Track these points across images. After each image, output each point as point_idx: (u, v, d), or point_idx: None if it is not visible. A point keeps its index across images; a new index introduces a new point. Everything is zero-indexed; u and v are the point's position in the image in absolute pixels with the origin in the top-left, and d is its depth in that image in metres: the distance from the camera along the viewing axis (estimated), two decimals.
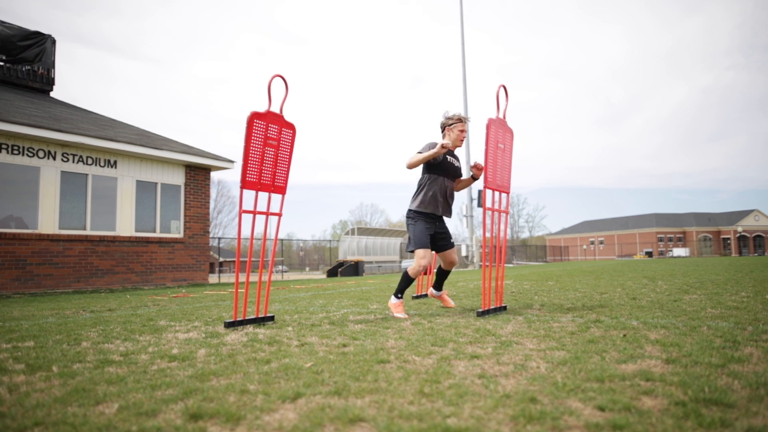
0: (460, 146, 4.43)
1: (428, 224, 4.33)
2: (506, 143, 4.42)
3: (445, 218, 4.55)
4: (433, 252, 4.49)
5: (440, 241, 4.47)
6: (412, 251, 4.29)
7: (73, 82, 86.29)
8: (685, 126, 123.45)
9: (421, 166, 4.37)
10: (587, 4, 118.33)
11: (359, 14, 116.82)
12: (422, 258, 4.23)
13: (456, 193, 4.58)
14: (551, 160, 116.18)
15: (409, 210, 4.43)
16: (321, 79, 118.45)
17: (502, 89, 4.31)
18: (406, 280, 4.33)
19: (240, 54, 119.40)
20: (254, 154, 3.80)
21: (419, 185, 4.42)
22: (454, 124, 4.37)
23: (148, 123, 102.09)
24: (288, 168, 4.13)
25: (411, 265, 4.37)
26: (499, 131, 4.30)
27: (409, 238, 4.35)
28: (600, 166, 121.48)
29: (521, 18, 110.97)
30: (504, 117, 4.40)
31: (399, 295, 4.33)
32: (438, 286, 4.91)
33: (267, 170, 3.94)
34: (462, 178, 4.59)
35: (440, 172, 4.34)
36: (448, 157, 4.38)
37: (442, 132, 4.47)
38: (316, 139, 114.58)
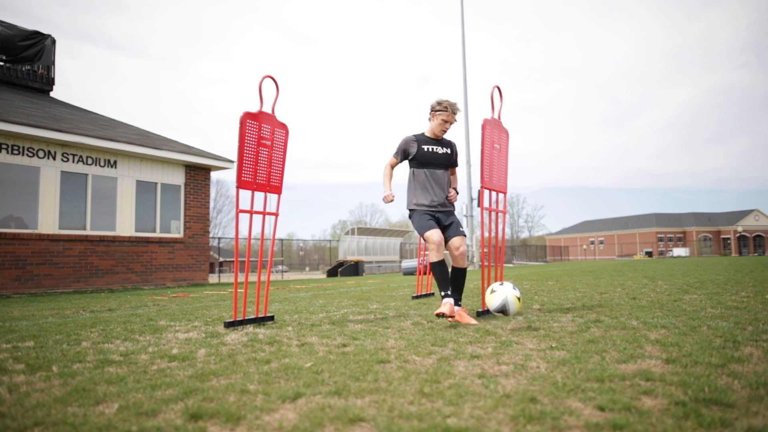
0: (440, 136, 4.19)
1: (428, 215, 4.06)
2: (502, 143, 4.47)
3: (447, 209, 4.18)
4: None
5: (445, 230, 4.09)
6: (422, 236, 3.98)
7: (75, 80, 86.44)
8: (687, 126, 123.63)
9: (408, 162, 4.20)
10: (592, 6, 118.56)
11: (367, 14, 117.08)
12: (431, 236, 3.87)
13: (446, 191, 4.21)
14: (553, 160, 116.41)
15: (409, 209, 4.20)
16: (328, 78, 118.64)
17: (496, 90, 4.38)
18: (440, 271, 3.85)
19: (246, 53, 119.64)
20: (248, 153, 3.83)
21: (408, 181, 4.22)
22: (440, 111, 4.11)
23: (150, 122, 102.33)
24: (282, 168, 4.14)
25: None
26: (494, 132, 4.34)
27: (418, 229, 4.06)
28: (601, 166, 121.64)
29: (526, 19, 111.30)
30: (499, 117, 4.44)
31: (445, 294, 3.80)
32: (456, 293, 3.98)
33: (262, 170, 3.96)
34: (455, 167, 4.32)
35: (422, 165, 4.12)
36: (430, 147, 4.13)
37: (430, 113, 4.20)
38: (320, 139, 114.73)
